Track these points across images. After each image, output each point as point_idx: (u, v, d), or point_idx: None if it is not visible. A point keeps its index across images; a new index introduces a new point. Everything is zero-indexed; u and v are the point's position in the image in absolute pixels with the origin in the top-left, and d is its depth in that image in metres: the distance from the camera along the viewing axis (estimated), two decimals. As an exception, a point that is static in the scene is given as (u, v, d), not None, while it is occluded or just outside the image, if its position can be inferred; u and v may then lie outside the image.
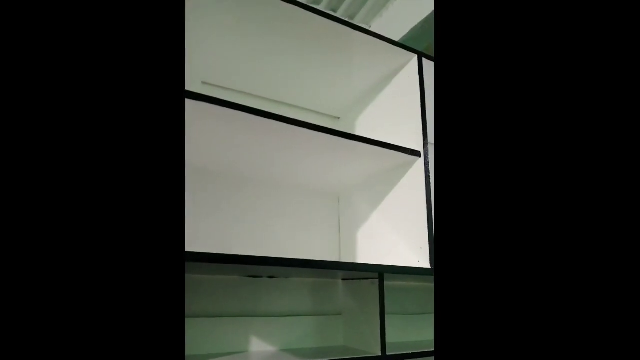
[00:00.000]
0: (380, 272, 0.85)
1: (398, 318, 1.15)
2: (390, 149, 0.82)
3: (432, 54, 1.49)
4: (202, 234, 0.87)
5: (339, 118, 1.23)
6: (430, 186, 0.82)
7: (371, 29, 1.40)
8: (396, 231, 0.88)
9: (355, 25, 0.84)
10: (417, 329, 1.16)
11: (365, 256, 0.98)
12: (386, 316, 1.10)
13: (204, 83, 0.98)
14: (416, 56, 0.91)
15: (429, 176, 0.83)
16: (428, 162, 0.84)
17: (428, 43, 1.45)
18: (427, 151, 0.85)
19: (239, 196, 0.97)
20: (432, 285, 1.20)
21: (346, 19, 1.35)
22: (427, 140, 0.85)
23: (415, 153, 0.84)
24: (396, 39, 1.24)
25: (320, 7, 1.28)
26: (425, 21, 1.12)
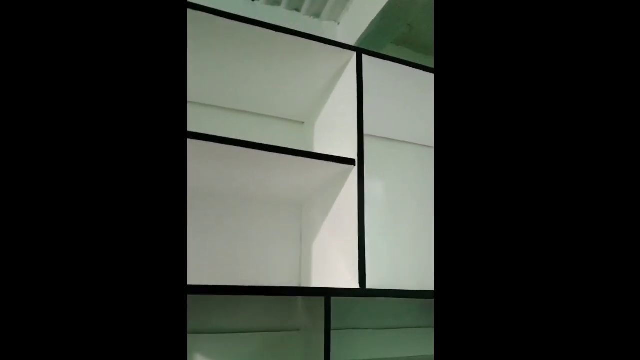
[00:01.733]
0: (326, 296, 0.80)
1: (368, 333, 1.09)
2: (320, 159, 0.76)
3: (408, 38, 1.41)
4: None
5: (303, 122, 1.18)
6: (363, 196, 0.75)
7: (339, 25, 1.33)
8: (339, 247, 0.82)
9: (292, 30, 0.79)
10: (378, 344, 1.10)
11: (320, 269, 0.93)
12: (352, 331, 1.07)
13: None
14: (355, 54, 0.84)
15: (362, 186, 0.76)
16: (363, 170, 0.77)
17: (405, 27, 1.35)
18: (363, 158, 0.78)
19: (201, 210, 0.96)
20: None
21: (311, 17, 1.29)
22: (362, 146, 0.78)
23: (349, 161, 0.77)
24: (365, 31, 1.17)
25: (281, 7, 1.23)
26: (384, 10, 1.03)
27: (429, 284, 1.23)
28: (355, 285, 0.73)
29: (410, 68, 0.90)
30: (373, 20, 1.07)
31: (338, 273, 0.80)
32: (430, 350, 1.16)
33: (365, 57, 0.84)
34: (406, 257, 1.22)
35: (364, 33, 1.11)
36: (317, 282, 0.93)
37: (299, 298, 1.01)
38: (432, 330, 1.18)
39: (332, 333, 1.05)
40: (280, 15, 1.24)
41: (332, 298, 1.01)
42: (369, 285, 1.16)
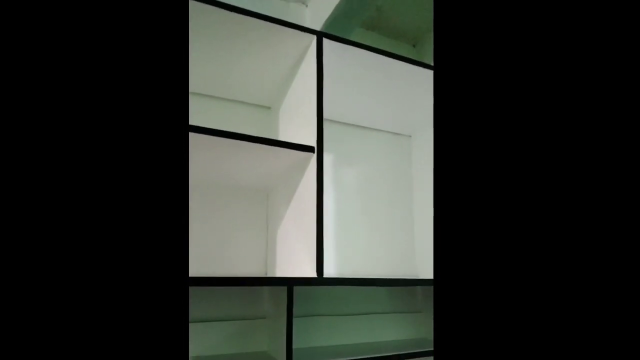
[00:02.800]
0: (288, 285, 0.79)
1: (336, 319, 1.10)
2: (281, 146, 0.74)
3: (378, 23, 1.38)
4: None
5: (269, 108, 1.15)
6: (322, 184, 0.74)
7: (307, 8, 1.29)
8: (300, 235, 0.81)
9: (253, 12, 0.76)
10: (346, 330, 1.11)
11: (284, 258, 0.92)
12: (318, 318, 1.07)
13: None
14: (315, 37, 0.81)
15: (321, 174, 0.74)
16: (322, 157, 0.75)
17: (374, 10, 1.32)
18: (322, 145, 0.76)
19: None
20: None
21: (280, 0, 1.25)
22: (321, 133, 0.76)
23: (309, 149, 0.76)
24: (331, 14, 1.14)
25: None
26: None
27: (401, 272, 1.24)
28: (313, 274, 0.72)
29: (373, 53, 0.88)
30: (339, 3, 1.04)
31: (299, 262, 0.79)
32: (395, 336, 1.18)
33: (325, 41, 0.82)
34: (378, 245, 1.23)
35: (330, 16, 1.08)
36: (281, 271, 0.92)
37: (265, 287, 1.01)
38: (399, 316, 1.20)
39: (297, 320, 1.05)
40: (246, -3, 1.20)
41: (297, 287, 1.01)
42: (334, 273, 1.17)
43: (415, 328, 1.20)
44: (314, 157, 0.76)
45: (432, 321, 1.19)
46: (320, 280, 0.71)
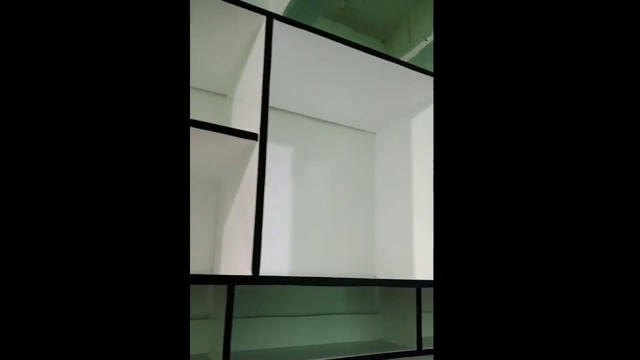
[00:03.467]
0: (228, 284, 0.73)
1: (286, 320, 1.05)
2: (223, 132, 0.69)
3: (345, 14, 1.34)
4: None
5: (225, 95, 1.09)
6: (263, 175, 0.68)
7: (271, -7, 1.24)
8: (241, 230, 0.76)
9: None
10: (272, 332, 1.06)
11: (228, 254, 0.87)
12: (271, 319, 1.02)
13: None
14: (265, 18, 0.76)
15: (263, 164, 0.69)
16: (265, 146, 0.70)
17: (341, 0, 1.28)
18: (266, 134, 0.71)
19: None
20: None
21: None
22: (265, 121, 0.71)
23: (252, 136, 0.71)
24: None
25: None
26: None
27: (360, 271, 1.20)
28: (257, 272, 0.67)
29: (334, 42, 0.84)
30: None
31: (240, 259, 0.73)
32: (350, 338, 1.14)
33: (277, 24, 0.77)
34: (337, 243, 1.18)
35: (292, 1, 1.03)
36: (225, 269, 0.86)
37: (210, 285, 0.95)
38: (355, 317, 1.16)
39: (245, 321, 0.99)
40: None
41: (248, 286, 0.95)
42: (288, 272, 1.12)
43: (372, 330, 1.17)
44: (256, 145, 0.70)
45: (389, 323, 1.17)
46: (256, 279, 0.66)
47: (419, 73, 0.97)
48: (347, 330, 1.14)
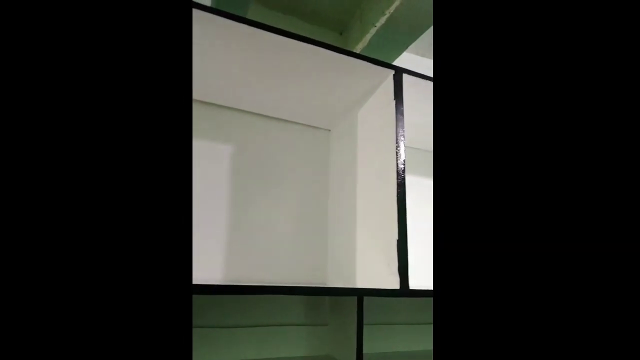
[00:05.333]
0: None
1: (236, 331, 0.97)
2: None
3: (296, 6, 1.24)
4: None
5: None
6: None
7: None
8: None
9: None
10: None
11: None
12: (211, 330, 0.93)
13: None
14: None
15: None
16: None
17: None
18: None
19: None
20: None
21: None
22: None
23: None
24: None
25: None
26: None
27: (309, 279, 1.11)
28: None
29: (262, 31, 0.76)
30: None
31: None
32: (294, 352, 1.04)
33: (203, 14, 0.70)
34: (285, 248, 1.10)
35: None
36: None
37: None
38: (301, 329, 1.06)
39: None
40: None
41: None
42: (221, 280, 1.03)
43: (319, 343, 1.07)
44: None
45: (338, 335, 1.07)
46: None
47: (368, 63, 0.88)
48: (291, 343, 1.05)
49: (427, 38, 1.42)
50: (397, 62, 1.29)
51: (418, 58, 1.53)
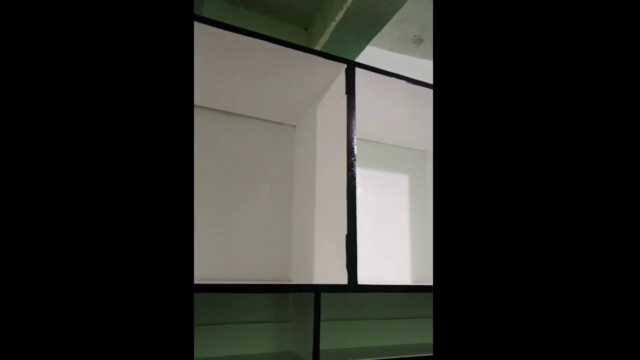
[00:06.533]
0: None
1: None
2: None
3: (259, 1, 1.21)
4: None
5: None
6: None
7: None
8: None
9: None
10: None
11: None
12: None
13: None
14: None
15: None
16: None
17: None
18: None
19: None
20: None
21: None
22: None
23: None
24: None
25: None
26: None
27: (273, 276, 1.10)
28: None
29: (217, 29, 0.75)
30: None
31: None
32: (256, 349, 1.04)
33: None
34: (249, 246, 1.09)
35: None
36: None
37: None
38: (263, 326, 1.06)
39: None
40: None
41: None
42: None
43: (283, 340, 1.07)
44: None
45: (301, 332, 1.07)
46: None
47: (322, 58, 0.87)
48: (257, 340, 1.04)
49: (396, 33, 1.42)
50: (364, 57, 1.29)
51: (385, 52, 1.52)
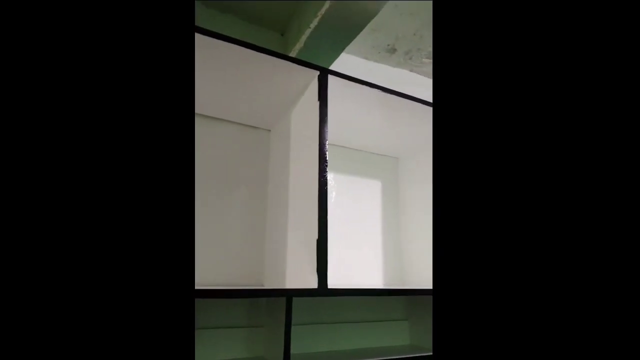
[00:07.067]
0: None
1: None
2: None
3: (235, 6, 1.23)
4: None
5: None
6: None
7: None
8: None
9: None
10: None
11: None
12: None
13: None
14: None
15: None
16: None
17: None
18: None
19: None
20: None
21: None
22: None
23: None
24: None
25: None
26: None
27: (245, 281, 1.10)
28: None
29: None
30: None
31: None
32: (228, 354, 1.03)
33: None
34: (221, 251, 1.08)
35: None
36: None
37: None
38: (236, 331, 1.05)
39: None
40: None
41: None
42: None
43: (256, 345, 1.06)
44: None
45: (273, 337, 1.06)
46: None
47: (296, 64, 0.88)
48: (230, 345, 1.03)
49: (370, 42, 1.45)
50: (340, 64, 1.31)
51: (361, 60, 1.55)
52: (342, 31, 1.09)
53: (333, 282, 1.27)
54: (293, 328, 1.03)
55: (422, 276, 1.31)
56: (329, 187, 1.35)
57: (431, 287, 1.07)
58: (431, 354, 1.04)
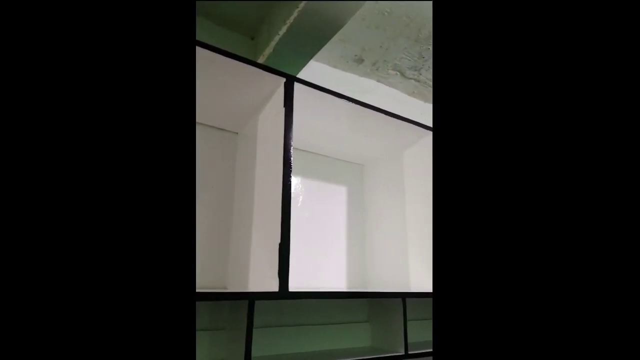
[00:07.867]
0: None
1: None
2: None
3: (210, 9, 1.23)
4: None
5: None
6: None
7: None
8: None
9: None
10: None
11: None
12: None
13: None
14: None
15: None
16: None
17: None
18: None
19: None
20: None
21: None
22: None
23: None
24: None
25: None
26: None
27: (210, 283, 1.09)
28: None
29: None
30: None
31: None
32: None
33: None
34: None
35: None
36: None
37: None
38: (200, 334, 1.04)
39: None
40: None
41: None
42: None
43: (217, 348, 1.06)
44: None
45: (235, 339, 1.07)
46: None
47: (262, 71, 0.90)
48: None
49: (338, 51, 1.49)
50: (309, 71, 1.34)
51: (329, 69, 1.59)
52: (310, 40, 1.11)
53: (297, 285, 1.29)
54: (255, 331, 1.04)
55: (383, 279, 1.36)
56: (296, 191, 1.38)
57: (393, 291, 1.11)
58: (391, 354, 1.08)
